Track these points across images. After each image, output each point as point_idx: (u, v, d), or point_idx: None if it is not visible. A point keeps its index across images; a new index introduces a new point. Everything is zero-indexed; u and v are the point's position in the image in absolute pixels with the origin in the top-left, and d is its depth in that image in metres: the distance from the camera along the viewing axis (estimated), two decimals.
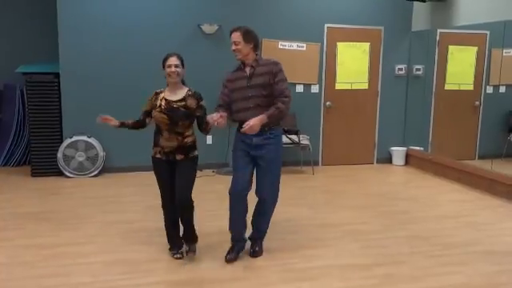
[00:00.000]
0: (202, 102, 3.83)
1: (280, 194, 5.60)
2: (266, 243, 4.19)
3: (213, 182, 6.43)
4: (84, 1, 6.46)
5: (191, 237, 3.95)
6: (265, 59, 3.90)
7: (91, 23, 6.51)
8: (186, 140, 3.75)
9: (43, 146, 6.49)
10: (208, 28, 6.77)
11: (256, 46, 3.79)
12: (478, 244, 4.37)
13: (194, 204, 3.83)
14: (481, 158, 6.88)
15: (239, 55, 3.76)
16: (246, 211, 3.93)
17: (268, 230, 4.16)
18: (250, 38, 3.74)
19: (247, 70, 3.81)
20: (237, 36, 3.72)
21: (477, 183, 6.28)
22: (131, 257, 3.95)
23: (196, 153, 3.83)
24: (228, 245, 4.01)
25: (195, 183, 3.83)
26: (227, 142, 6.87)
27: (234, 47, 3.74)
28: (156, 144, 3.83)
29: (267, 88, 3.76)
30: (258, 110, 3.72)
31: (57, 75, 6.52)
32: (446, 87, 7.31)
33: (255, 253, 4.00)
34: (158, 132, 3.81)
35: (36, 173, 6.50)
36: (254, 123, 3.61)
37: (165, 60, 3.78)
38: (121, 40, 6.58)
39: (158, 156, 3.80)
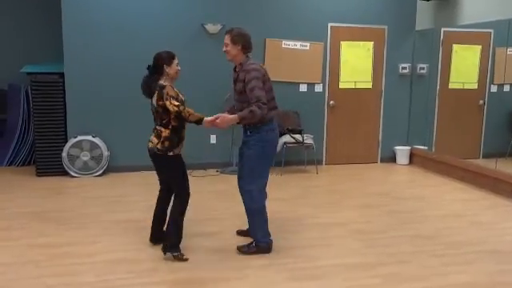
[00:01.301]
0: None
1: (284, 193, 5.63)
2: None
3: (216, 182, 6.45)
4: (88, 1, 6.49)
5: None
6: (248, 63, 3.86)
7: (95, 23, 6.53)
8: None
9: (48, 145, 6.52)
10: (212, 28, 6.78)
11: (245, 48, 3.85)
12: (483, 243, 4.37)
13: None
14: (485, 156, 6.87)
15: (228, 56, 3.90)
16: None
17: (272, 230, 4.18)
18: (238, 39, 3.82)
19: (234, 73, 3.97)
20: (226, 38, 3.86)
21: (481, 182, 6.27)
22: (136, 256, 3.97)
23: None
24: (231, 243, 4.04)
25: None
26: (231, 141, 6.88)
27: (224, 48, 3.89)
28: (181, 140, 3.89)
29: (241, 96, 3.86)
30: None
31: (61, 75, 6.54)
32: (450, 86, 7.30)
33: (239, 248, 4.06)
34: (182, 128, 3.87)
35: (41, 172, 6.53)
36: (221, 120, 3.74)
37: (174, 58, 3.87)
38: (125, 40, 6.60)
39: (180, 152, 3.92)
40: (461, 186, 6.45)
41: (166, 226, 4.00)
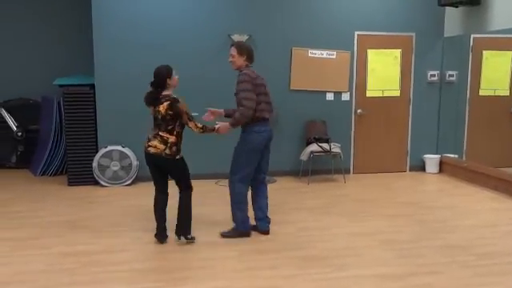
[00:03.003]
0: None
1: (312, 202, 5.62)
2: (297, 252, 4.21)
3: None
4: (118, 14, 6.64)
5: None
6: (244, 70, 4.37)
7: (125, 36, 6.67)
8: None
9: (79, 155, 6.66)
10: (238, 38, 6.81)
11: (249, 58, 4.41)
12: None
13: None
14: None
15: (233, 66, 4.43)
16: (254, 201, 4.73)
17: (300, 239, 4.32)
18: (243, 51, 4.38)
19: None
20: (233, 50, 4.40)
21: None
22: (166, 264, 4.01)
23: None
24: (259, 252, 4.05)
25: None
26: None
27: (230, 59, 4.42)
28: (180, 148, 4.36)
29: (236, 96, 4.39)
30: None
31: (92, 87, 6.70)
32: (481, 93, 7.16)
33: (221, 233, 4.60)
34: (182, 137, 4.37)
35: (72, 182, 6.67)
36: (219, 127, 4.44)
37: (172, 70, 4.33)
38: (153, 51, 6.68)
39: None
40: (493, 195, 6.29)
41: (178, 218, 4.47)
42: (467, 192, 6.49)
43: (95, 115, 6.71)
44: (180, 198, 4.45)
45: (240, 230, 4.54)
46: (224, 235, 4.55)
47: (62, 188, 6.55)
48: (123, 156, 6.66)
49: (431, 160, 7.63)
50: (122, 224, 5.05)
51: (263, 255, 4.18)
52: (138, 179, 6.78)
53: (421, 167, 7.73)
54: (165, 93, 4.26)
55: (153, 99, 4.30)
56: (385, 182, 7.02)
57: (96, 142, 6.74)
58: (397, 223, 5.11)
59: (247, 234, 4.56)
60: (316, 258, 4.12)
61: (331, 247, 4.39)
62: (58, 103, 7.12)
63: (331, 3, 7.18)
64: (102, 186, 6.62)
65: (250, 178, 4.49)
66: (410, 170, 7.71)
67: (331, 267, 3.95)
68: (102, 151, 6.63)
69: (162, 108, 4.21)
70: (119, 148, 6.67)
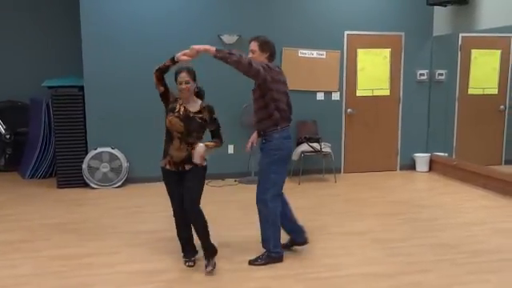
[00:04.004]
0: (215, 115, 3.89)
1: (302, 202, 5.60)
2: (289, 252, 4.19)
3: (236, 191, 6.46)
4: (107, 15, 6.60)
5: (207, 249, 3.84)
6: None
7: (114, 37, 6.63)
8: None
9: (68, 157, 6.61)
10: (228, 38, 6.83)
11: (271, 56, 3.92)
12: (507, 251, 4.27)
13: (205, 213, 3.84)
14: (507, 163, 6.73)
15: None
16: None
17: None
18: (267, 48, 3.88)
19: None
20: (254, 45, 3.90)
21: (504, 189, 6.15)
22: (155, 266, 3.99)
23: (205, 163, 3.84)
24: (250, 253, 4.05)
25: (203, 192, 3.88)
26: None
27: (250, 55, 3.87)
28: (165, 154, 3.84)
29: (257, 102, 3.90)
30: (256, 116, 3.92)
31: (81, 88, 6.66)
32: (470, 92, 7.20)
33: (250, 262, 4.00)
34: (169, 140, 3.80)
35: (62, 184, 6.62)
36: (193, 47, 3.72)
37: (176, 74, 3.79)
38: (143, 52, 6.67)
39: (168, 167, 3.83)
40: (483, 193, 6.34)
41: None
42: (457, 190, 6.53)
43: (84, 117, 6.66)
44: None
45: (273, 256, 3.98)
46: (254, 263, 3.96)
47: (51, 190, 6.50)
48: (113, 158, 6.62)
49: (421, 159, 7.67)
50: (112, 226, 5.01)
51: (254, 256, 4.16)
52: (128, 181, 6.75)
53: (411, 166, 7.76)
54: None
55: None
56: (375, 181, 7.05)
57: (85, 143, 6.69)
58: (387, 222, 5.12)
59: (280, 260, 4.00)
60: (307, 258, 4.12)
61: (323, 247, 4.39)
62: (47, 105, 7.06)
63: (321, 3, 7.19)
64: (92, 188, 6.57)
65: (280, 191, 3.97)
66: (401, 169, 7.75)
67: (323, 267, 3.95)
68: (91, 153, 6.59)
69: None
70: (109, 150, 6.62)
